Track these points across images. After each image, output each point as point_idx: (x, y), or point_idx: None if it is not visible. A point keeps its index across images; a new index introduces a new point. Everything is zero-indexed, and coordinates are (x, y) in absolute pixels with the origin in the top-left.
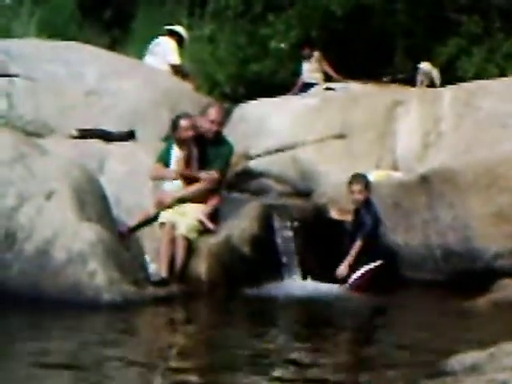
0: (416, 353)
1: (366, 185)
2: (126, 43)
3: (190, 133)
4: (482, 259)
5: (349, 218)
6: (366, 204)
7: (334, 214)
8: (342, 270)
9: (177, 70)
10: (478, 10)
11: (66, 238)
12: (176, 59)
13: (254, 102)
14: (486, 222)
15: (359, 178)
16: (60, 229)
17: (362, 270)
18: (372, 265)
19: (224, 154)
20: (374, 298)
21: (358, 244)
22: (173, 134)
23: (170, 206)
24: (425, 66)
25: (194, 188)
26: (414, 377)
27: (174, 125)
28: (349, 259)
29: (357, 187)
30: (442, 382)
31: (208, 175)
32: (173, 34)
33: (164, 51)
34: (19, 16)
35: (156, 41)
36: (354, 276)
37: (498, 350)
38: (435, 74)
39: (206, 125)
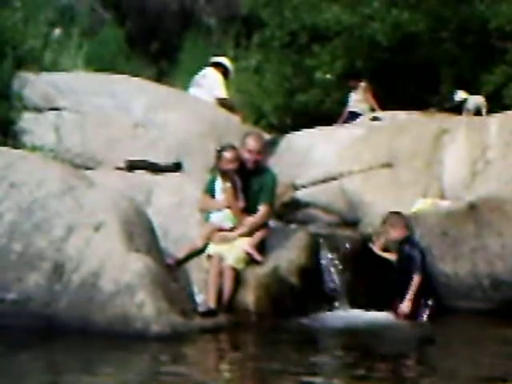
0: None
1: (402, 221)
2: (173, 75)
3: (232, 165)
4: None
5: (391, 255)
6: (409, 240)
7: (377, 250)
8: (405, 306)
9: (223, 103)
10: None
11: (114, 269)
12: (222, 92)
13: (300, 132)
14: None
15: (393, 216)
16: (108, 260)
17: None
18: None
19: (268, 184)
20: (423, 327)
21: (416, 280)
22: (217, 166)
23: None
24: (459, 94)
25: (250, 223)
26: None
27: (219, 156)
28: (410, 295)
29: (392, 226)
30: None
31: (255, 218)
32: (218, 65)
33: (210, 84)
34: (67, 49)
35: (202, 73)
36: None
37: None
38: (476, 102)
39: (245, 155)
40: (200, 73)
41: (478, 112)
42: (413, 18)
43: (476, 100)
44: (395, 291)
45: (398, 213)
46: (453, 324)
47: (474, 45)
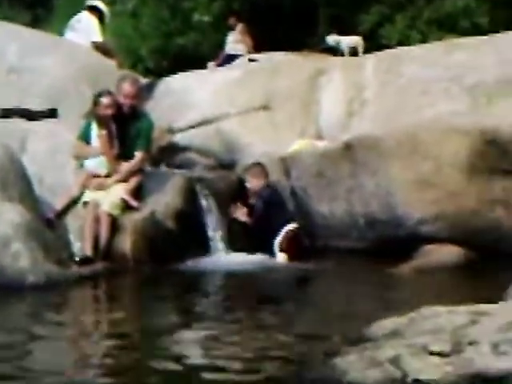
0: (339, 321)
1: (264, 172)
2: (49, 21)
3: (110, 111)
4: (406, 226)
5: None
6: (264, 190)
7: (240, 215)
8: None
9: (99, 47)
10: None
11: None
12: (98, 36)
13: (176, 75)
14: (408, 188)
15: (254, 167)
16: None
17: (282, 233)
18: (289, 226)
19: (144, 129)
20: (300, 267)
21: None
22: (93, 111)
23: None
24: (333, 37)
25: (125, 169)
26: (336, 345)
27: (95, 102)
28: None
29: (253, 175)
30: (362, 348)
31: (130, 165)
32: (94, 9)
33: (85, 28)
34: None
35: (77, 17)
36: (277, 240)
37: (418, 315)
38: (351, 42)
39: (120, 100)
40: (75, 17)
41: (354, 53)
42: None
43: (350, 41)
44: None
45: (258, 163)
46: (329, 264)
47: None
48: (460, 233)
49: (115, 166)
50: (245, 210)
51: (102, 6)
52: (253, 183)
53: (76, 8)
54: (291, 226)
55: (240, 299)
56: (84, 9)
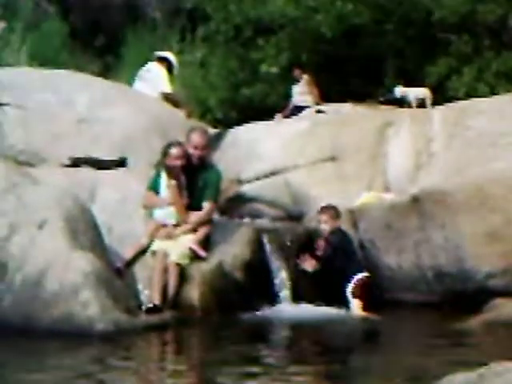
0: (407, 376)
1: (335, 215)
2: (118, 69)
3: (180, 161)
4: (474, 279)
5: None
6: (333, 234)
7: (308, 267)
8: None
9: (168, 97)
10: (466, 29)
11: (58, 267)
12: (167, 87)
13: (245, 126)
14: (477, 242)
15: (327, 209)
16: (52, 258)
17: (354, 280)
18: (360, 275)
19: (212, 180)
20: (368, 320)
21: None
22: (163, 162)
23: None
24: (400, 89)
25: (194, 220)
26: None
27: (165, 152)
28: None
29: (324, 217)
30: None
31: (199, 215)
32: (163, 60)
33: (155, 78)
34: (10, 44)
35: (146, 67)
36: (350, 287)
37: (487, 371)
38: (418, 94)
39: (190, 150)
40: (144, 67)
41: (422, 104)
42: (356, 9)
43: (417, 92)
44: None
45: (331, 206)
46: (398, 317)
47: (418, 37)
48: None
49: (184, 216)
50: (313, 261)
51: (172, 57)
52: (323, 225)
53: (145, 56)
54: (363, 275)
55: (306, 351)
56: (154, 59)
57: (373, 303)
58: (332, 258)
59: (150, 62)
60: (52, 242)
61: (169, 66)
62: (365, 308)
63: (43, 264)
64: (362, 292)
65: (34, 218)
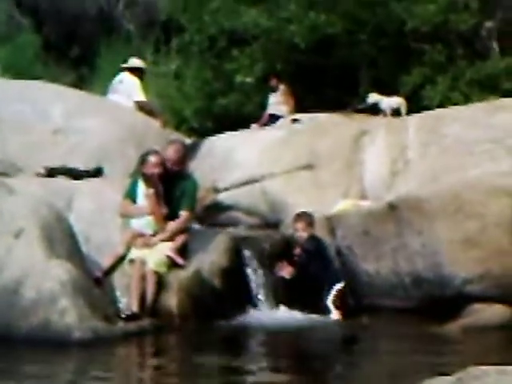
0: (387, 380)
1: (310, 222)
2: (93, 81)
3: (157, 169)
4: (452, 285)
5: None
6: (309, 241)
7: (285, 274)
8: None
9: (142, 106)
10: (439, 39)
11: (35, 276)
12: (140, 96)
13: (221, 135)
14: (454, 248)
15: (302, 216)
16: (29, 267)
17: (334, 291)
18: (338, 285)
19: (189, 190)
20: (345, 326)
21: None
22: (140, 170)
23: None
24: (373, 96)
25: (172, 228)
26: None
27: (143, 160)
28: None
29: (300, 225)
30: None
31: (176, 224)
32: (134, 70)
33: (127, 89)
34: None
35: (118, 78)
36: (330, 298)
37: (466, 375)
38: (391, 103)
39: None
40: (116, 78)
41: (397, 113)
42: (329, 20)
43: (391, 101)
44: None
45: (306, 213)
46: (376, 323)
47: (392, 46)
48: (507, 292)
49: (163, 225)
50: (289, 268)
51: (141, 64)
52: (299, 233)
53: (119, 66)
54: (340, 285)
55: (284, 358)
56: (123, 70)
57: (350, 311)
58: (308, 264)
59: (121, 73)
60: (29, 250)
61: (140, 75)
62: (344, 316)
63: (20, 273)
64: (341, 302)
65: (11, 227)
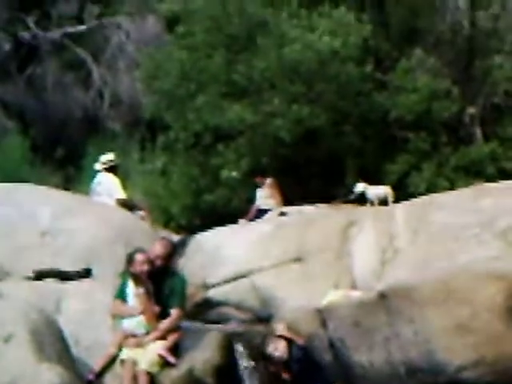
0: None
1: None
2: (80, 181)
3: (145, 267)
4: (446, 372)
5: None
6: (294, 350)
7: (282, 330)
8: None
9: (123, 203)
10: (423, 127)
11: (25, 380)
12: (120, 193)
13: (208, 231)
14: (446, 334)
15: (280, 338)
16: (19, 371)
17: None
18: None
19: (177, 288)
20: None
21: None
22: (128, 269)
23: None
24: (360, 186)
25: (163, 328)
26: None
27: (130, 259)
28: None
29: (279, 345)
30: None
31: (167, 323)
32: (109, 169)
33: (107, 189)
34: None
35: (96, 180)
36: None
37: None
38: (378, 192)
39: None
40: (95, 180)
41: (384, 202)
42: (313, 112)
43: (378, 190)
44: None
45: (281, 336)
46: None
47: (376, 135)
48: (502, 377)
49: (155, 325)
50: (282, 344)
51: (111, 157)
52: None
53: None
54: None
55: None
56: (99, 171)
57: None
58: (298, 374)
59: (98, 174)
60: (19, 355)
61: (114, 171)
62: None
63: (10, 377)
64: None
65: (0, 332)
